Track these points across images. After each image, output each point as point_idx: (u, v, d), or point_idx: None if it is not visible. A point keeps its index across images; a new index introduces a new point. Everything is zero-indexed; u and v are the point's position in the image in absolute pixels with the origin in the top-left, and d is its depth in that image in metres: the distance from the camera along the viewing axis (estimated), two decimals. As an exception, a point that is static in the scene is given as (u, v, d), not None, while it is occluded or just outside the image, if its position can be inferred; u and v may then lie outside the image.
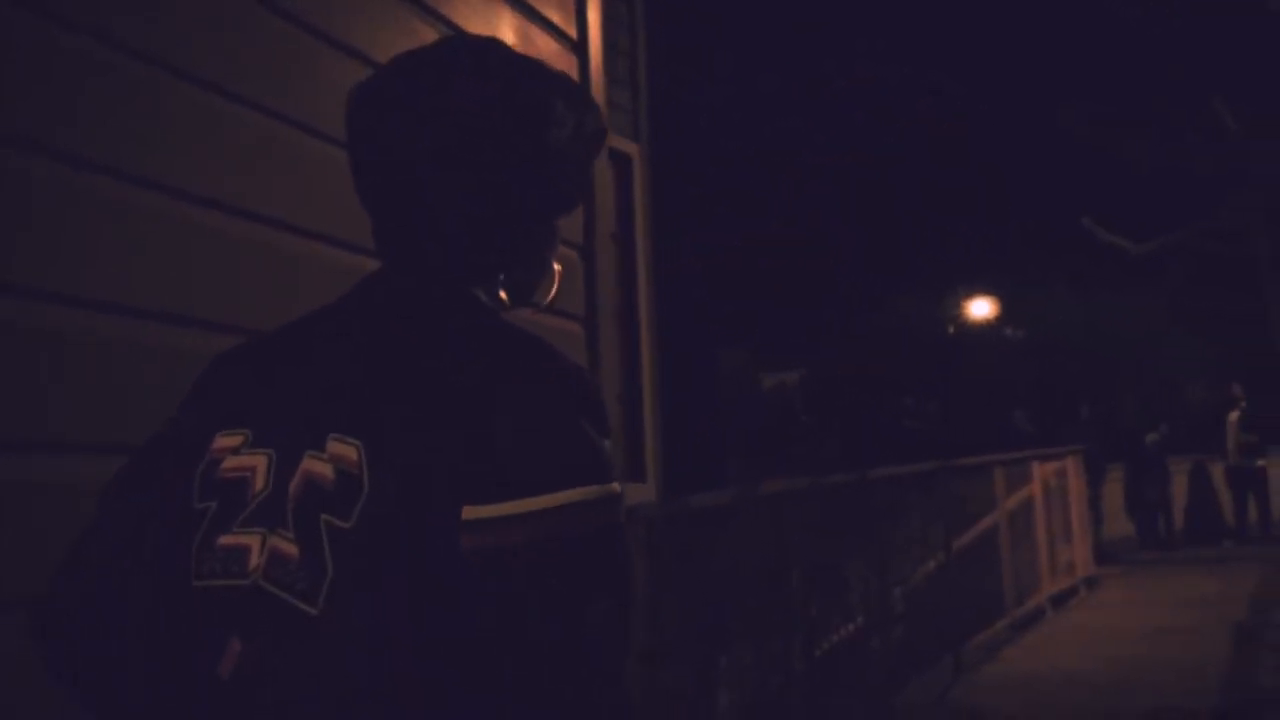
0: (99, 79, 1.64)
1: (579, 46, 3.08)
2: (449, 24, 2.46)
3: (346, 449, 0.89)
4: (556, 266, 1.10)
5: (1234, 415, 11.79)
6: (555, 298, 1.11)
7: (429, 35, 2.25)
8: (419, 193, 0.98)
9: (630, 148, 3.86)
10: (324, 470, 0.90)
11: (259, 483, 0.92)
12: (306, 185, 2.02)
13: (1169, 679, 5.79)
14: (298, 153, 2.02)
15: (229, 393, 1.00)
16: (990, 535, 7.63)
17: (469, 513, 0.86)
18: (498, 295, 1.04)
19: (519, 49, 1.09)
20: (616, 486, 0.91)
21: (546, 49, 2.90)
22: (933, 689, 5.91)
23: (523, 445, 0.88)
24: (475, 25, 2.53)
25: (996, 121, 14.96)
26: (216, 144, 1.84)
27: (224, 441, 0.95)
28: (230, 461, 0.94)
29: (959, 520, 7.11)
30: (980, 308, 20.99)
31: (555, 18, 2.97)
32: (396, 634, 0.85)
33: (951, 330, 19.99)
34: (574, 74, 2.97)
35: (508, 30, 2.72)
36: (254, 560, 0.90)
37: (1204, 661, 6.03)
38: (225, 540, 0.92)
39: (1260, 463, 11.60)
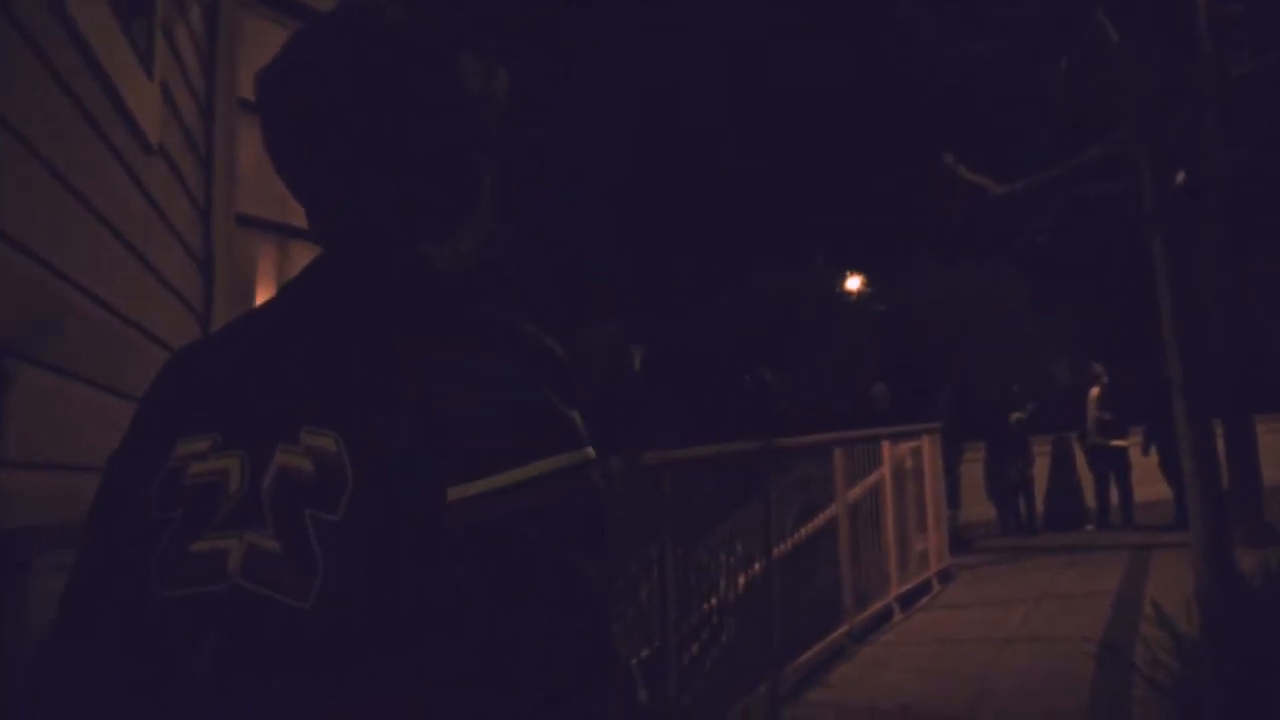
0: None
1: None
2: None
3: (323, 440, 0.87)
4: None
5: (1095, 392, 11.12)
6: None
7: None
8: (353, 168, 0.97)
9: None
10: (300, 464, 0.87)
11: (233, 485, 0.89)
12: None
13: (1022, 709, 4.78)
14: None
15: (186, 397, 0.97)
16: (828, 531, 6.52)
17: (451, 494, 0.85)
18: (445, 248, 1.04)
19: None
20: (590, 451, 0.91)
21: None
22: (742, 729, 4.74)
23: (492, 420, 0.87)
24: None
25: (864, 84, 14.07)
26: None
27: (187, 448, 0.92)
28: (197, 467, 0.91)
29: (788, 513, 5.96)
30: (847, 281, 20.28)
31: None
32: (389, 618, 0.83)
33: (817, 303, 19.24)
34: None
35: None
36: (232, 562, 0.86)
37: (1065, 684, 5.05)
38: (200, 546, 0.88)
39: (1118, 443, 10.91)
